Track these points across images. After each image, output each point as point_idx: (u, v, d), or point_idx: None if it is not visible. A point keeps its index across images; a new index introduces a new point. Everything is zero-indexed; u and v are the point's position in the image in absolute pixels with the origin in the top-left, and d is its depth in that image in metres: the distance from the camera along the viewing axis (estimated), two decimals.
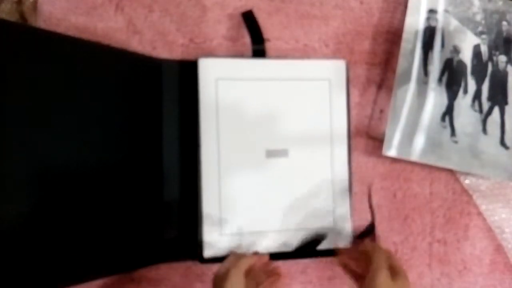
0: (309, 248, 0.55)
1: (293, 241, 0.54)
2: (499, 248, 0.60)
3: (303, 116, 0.55)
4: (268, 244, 0.54)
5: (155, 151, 0.53)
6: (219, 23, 0.57)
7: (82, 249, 0.47)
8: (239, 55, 0.57)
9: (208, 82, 0.53)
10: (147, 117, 0.53)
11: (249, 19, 0.56)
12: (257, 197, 0.54)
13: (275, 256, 0.54)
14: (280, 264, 0.55)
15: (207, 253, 0.52)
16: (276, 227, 0.54)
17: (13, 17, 0.54)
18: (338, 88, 0.56)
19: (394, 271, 0.45)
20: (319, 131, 0.56)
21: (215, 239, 0.52)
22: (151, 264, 0.53)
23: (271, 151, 0.54)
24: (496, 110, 0.60)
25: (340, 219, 0.55)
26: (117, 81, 0.50)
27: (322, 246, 0.55)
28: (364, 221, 0.58)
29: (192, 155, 0.53)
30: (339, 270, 0.57)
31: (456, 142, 0.58)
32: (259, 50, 0.55)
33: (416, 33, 0.58)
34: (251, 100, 0.54)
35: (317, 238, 0.55)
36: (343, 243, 0.55)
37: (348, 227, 0.55)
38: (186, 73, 0.54)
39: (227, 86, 0.53)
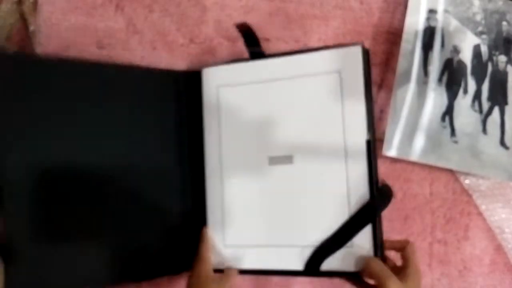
0: (314, 269, 0.47)
1: (300, 259, 0.47)
2: (499, 248, 0.60)
3: (310, 118, 0.48)
4: (270, 260, 0.48)
5: (173, 161, 0.53)
6: (219, 23, 0.57)
7: (93, 256, 0.48)
8: (239, 55, 0.56)
9: (210, 90, 0.52)
10: (168, 129, 0.53)
11: (243, 28, 0.52)
12: (260, 208, 0.49)
13: (282, 273, 0.48)
14: None
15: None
16: (281, 242, 0.48)
17: (13, 17, 0.54)
18: (352, 81, 0.47)
19: (403, 270, 0.44)
20: (329, 136, 0.47)
21: (218, 250, 0.50)
22: (165, 275, 0.53)
23: (274, 158, 0.49)
24: (496, 110, 0.60)
25: (359, 241, 0.45)
26: (139, 97, 0.52)
27: (338, 266, 0.46)
28: None
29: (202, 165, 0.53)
30: None
31: (456, 142, 0.58)
32: (256, 53, 0.52)
33: (416, 33, 0.58)
34: (253, 104, 0.51)
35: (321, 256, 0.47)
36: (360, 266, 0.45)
37: (368, 249, 0.45)
38: (193, 83, 0.54)
39: (228, 93, 0.52)
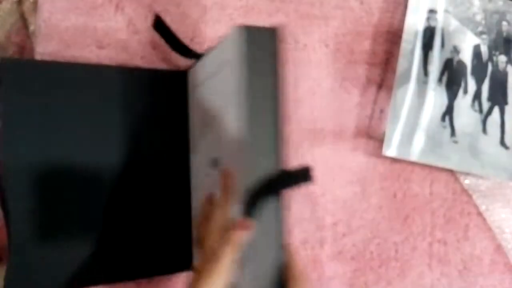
0: None
1: None
2: (499, 248, 0.60)
3: (225, 118, 0.41)
4: None
5: (172, 160, 0.53)
6: (219, 23, 0.57)
7: (92, 254, 0.48)
8: None
9: (190, 91, 0.52)
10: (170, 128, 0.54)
11: (161, 27, 0.48)
12: None
13: None
14: None
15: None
16: None
17: (13, 17, 0.54)
18: (236, 72, 0.35)
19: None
20: (232, 139, 0.39)
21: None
22: (164, 273, 0.54)
23: (212, 160, 0.45)
24: (496, 110, 0.60)
25: None
26: (139, 97, 0.52)
27: None
28: (364, 221, 0.58)
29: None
30: (332, 272, 0.57)
31: (456, 142, 0.58)
32: (190, 53, 0.48)
33: (416, 33, 0.58)
34: (205, 103, 0.48)
35: None
36: None
37: None
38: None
39: (198, 92, 0.51)
